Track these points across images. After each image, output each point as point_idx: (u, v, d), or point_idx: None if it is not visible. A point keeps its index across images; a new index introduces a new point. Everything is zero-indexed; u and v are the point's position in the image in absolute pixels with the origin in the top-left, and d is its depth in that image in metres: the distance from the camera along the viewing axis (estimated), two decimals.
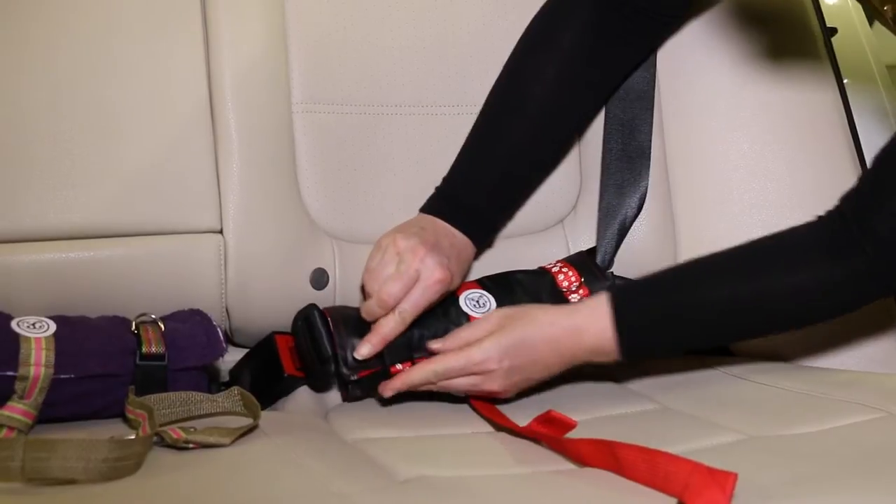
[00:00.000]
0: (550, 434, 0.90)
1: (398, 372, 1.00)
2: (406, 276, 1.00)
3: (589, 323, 0.98)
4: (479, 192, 1.09)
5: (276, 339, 1.05)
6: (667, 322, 0.98)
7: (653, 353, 1.05)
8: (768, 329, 1.02)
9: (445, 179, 1.10)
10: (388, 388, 0.99)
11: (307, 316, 1.01)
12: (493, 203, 1.10)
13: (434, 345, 1.00)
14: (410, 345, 1.00)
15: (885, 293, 0.99)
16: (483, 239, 1.10)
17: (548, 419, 0.91)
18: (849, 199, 0.96)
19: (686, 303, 0.98)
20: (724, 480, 0.74)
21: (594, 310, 0.98)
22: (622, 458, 0.81)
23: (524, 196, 1.15)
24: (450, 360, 0.97)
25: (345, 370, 0.99)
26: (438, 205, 1.09)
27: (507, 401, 1.01)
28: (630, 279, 1.08)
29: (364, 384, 1.00)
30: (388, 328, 0.99)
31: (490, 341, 0.97)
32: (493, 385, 0.98)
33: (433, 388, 0.99)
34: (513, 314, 0.99)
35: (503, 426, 0.95)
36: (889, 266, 0.93)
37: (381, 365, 1.00)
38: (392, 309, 0.99)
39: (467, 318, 1.03)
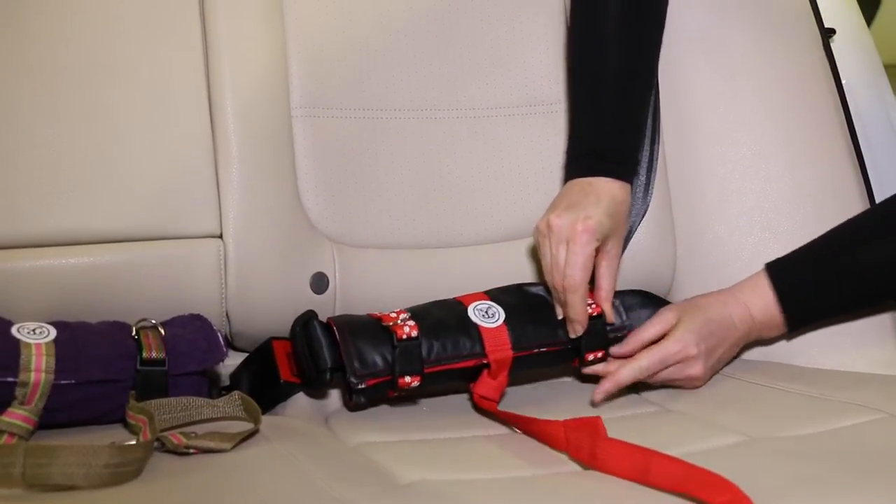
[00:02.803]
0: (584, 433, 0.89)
1: (406, 384, 0.99)
2: (581, 256, 1.03)
3: (753, 299, 1.06)
4: (612, 134, 1.10)
5: (274, 345, 1.04)
6: (826, 288, 1.06)
7: (816, 318, 1.10)
8: None
9: (572, 140, 1.13)
10: (601, 393, 1.03)
11: (305, 322, 1.01)
12: (627, 136, 1.11)
13: (617, 350, 1.06)
14: (422, 357, 1.00)
15: None
16: (632, 172, 1.11)
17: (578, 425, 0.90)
18: None
19: (842, 267, 1.05)
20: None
21: (755, 287, 1.07)
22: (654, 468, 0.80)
23: (645, 117, 1.17)
24: (652, 355, 1.03)
25: (353, 379, 0.98)
26: (580, 165, 1.10)
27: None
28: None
29: (369, 393, 1.00)
30: (624, 377, 1.04)
31: (681, 330, 1.04)
32: (693, 370, 1.04)
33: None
34: (684, 306, 1.07)
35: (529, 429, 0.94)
36: None
37: (390, 374, 0.99)
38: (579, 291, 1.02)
39: (476, 328, 1.02)
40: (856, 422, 0.92)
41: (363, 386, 0.98)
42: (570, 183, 1.09)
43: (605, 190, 1.06)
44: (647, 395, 1.07)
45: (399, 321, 1.00)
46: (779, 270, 1.07)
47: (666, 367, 1.04)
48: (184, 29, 1.08)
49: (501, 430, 0.98)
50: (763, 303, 1.06)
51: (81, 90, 1.04)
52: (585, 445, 0.86)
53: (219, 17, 1.09)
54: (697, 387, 1.06)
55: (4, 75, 1.03)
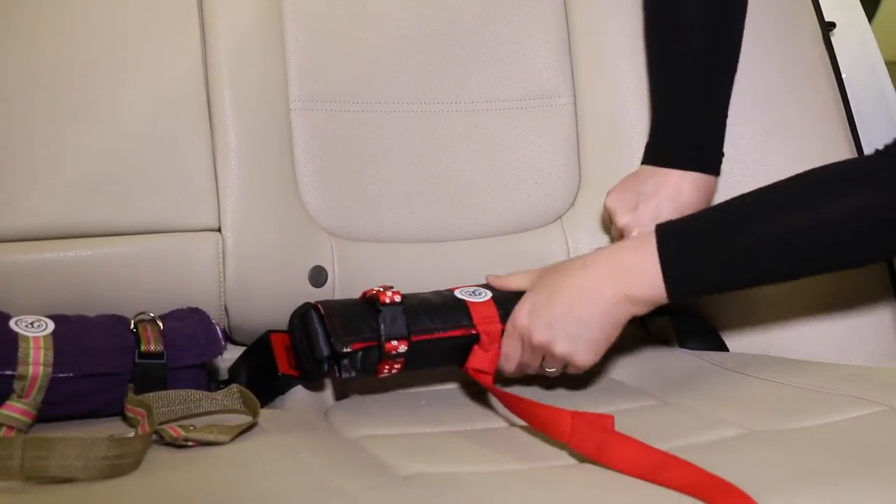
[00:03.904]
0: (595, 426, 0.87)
1: (393, 348, 0.98)
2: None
3: (631, 254, 0.96)
4: (689, 124, 1.11)
5: (272, 338, 1.04)
6: (715, 249, 0.95)
7: (701, 285, 0.97)
8: (827, 263, 0.97)
9: (651, 126, 1.14)
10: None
11: (303, 314, 1.01)
12: (707, 126, 1.12)
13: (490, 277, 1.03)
14: (407, 322, 0.99)
15: None
16: (713, 162, 1.10)
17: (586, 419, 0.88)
18: None
19: (737, 237, 0.95)
20: None
21: (640, 245, 0.96)
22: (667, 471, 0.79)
23: (727, 106, 1.15)
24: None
25: (337, 343, 0.97)
26: (651, 153, 1.12)
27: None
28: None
29: (357, 360, 0.98)
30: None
31: (510, 324, 0.99)
32: (539, 336, 0.97)
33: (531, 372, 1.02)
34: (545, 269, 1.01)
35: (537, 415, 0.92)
36: None
37: (377, 339, 0.98)
38: None
39: (464, 303, 1.02)
40: (856, 414, 0.92)
41: (348, 349, 0.97)
42: (641, 167, 1.12)
43: (672, 182, 1.07)
44: (646, 388, 1.07)
45: (383, 290, 1.00)
46: (668, 231, 0.97)
47: (525, 363, 1.00)
48: (182, 22, 1.08)
49: (500, 423, 0.98)
50: (642, 259, 0.96)
51: (80, 83, 1.04)
52: (593, 439, 0.84)
53: (217, 11, 1.09)
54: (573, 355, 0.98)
55: (4, 71, 1.03)
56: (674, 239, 0.96)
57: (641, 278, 0.95)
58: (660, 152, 1.12)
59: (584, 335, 0.97)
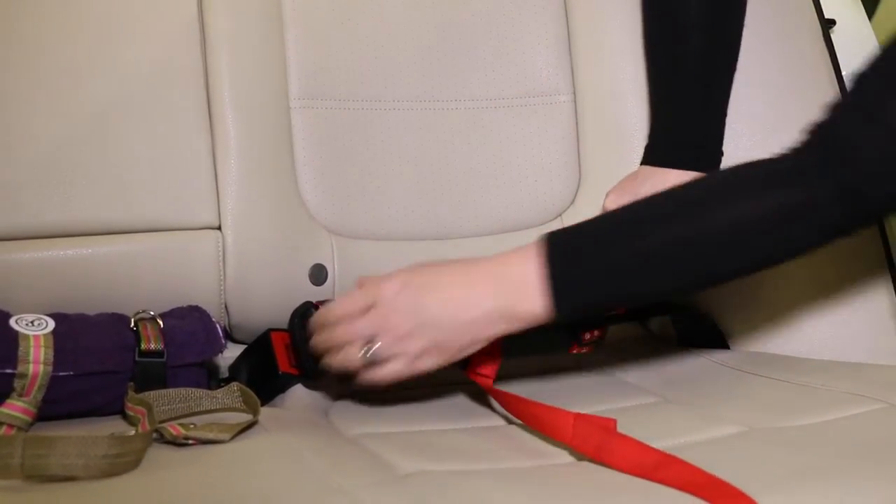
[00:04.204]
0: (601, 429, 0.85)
1: None
2: None
3: (517, 266, 0.89)
4: (688, 125, 1.10)
5: (272, 336, 1.04)
6: (604, 262, 0.89)
7: (589, 300, 0.90)
8: (715, 275, 0.91)
9: (650, 126, 1.14)
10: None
11: (304, 313, 1.01)
12: (706, 126, 1.11)
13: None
14: None
15: (849, 224, 0.88)
16: (710, 163, 1.10)
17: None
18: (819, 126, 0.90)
19: (628, 247, 0.89)
20: None
21: (526, 256, 0.89)
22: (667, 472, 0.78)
23: (726, 107, 1.13)
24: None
25: None
26: (650, 153, 1.12)
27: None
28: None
29: None
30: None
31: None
32: (398, 318, 0.88)
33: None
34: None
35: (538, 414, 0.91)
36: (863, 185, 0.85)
37: None
38: None
39: None
40: (856, 412, 0.92)
41: None
42: (639, 168, 1.11)
43: (670, 182, 1.02)
44: (647, 385, 1.07)
45: None
46: (554, 243, 0.90)
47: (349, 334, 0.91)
48: (182, 20, 1.08)
49: (500, 421, 0.98)
50: (524, 270, 0.88)
51: (80, 81, 1.04)
52: (594, 440, 0.84)
53: (217, 8, 1.09)
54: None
55: (3, 70, 1.02)
56: (560, 250, 0.89)
57: (524, 292, 0.88)
58: (658, 153, 1.12)
59: (445, 342, 0.90)
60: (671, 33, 1.12)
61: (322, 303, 1.00)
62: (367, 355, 0.90)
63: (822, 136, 0.88)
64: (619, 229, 0.90)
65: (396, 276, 0.91)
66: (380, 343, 0.90)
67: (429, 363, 0.91)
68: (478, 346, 0.91)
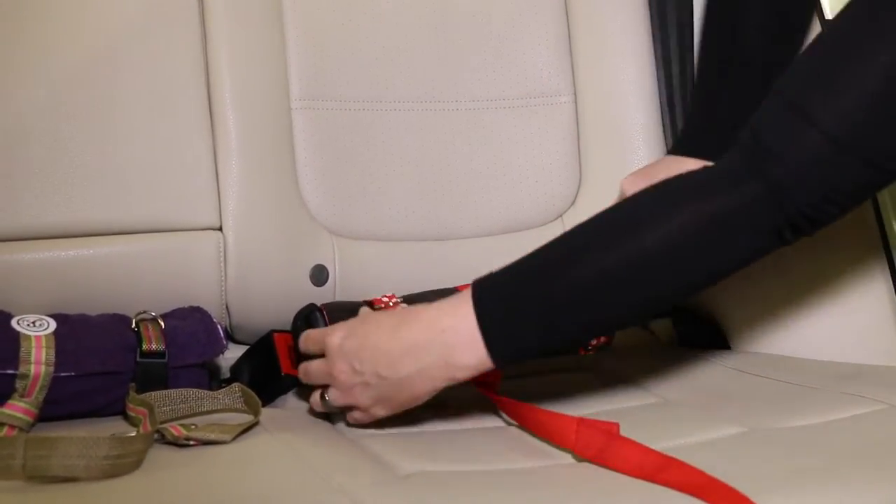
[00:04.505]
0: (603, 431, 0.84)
1: None
2: None
3: (449, 316, 0.87)
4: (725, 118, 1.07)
5: (275, 338, 1.04)
6: (536, 303, 0.85)
7: (527, 345, 0.87)
8: (656, 299, 0.87)
9: (690, 119, 1.13)
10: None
11: (307, 315, 1.01)
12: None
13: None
14: None
15: (784, 227, 0.85)
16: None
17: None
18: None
19: (557, 284, 0.85)
20: None
21: (458, 305, 0.87)
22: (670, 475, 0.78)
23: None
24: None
25: None
26: (679, 142, 1.11)
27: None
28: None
29: None
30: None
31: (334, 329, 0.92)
32: (342, 374, 0.89)
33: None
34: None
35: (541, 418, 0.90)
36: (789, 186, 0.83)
37: None
38: None
39: None
40: (856, 413, 0.92)
41: None
42: (663, 157, 1.11)
43: (686, 170, 1.01)
44: (647, 386, 1.07)
45: (390, 304, 1.00)
46: (484, 291, 0.87)
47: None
48: (183, 21, 1.08)
49: (500, 422, 0.98)
50: (462, 325, 0.86)
51: (81, 82, 1.04)
52: (597, 444, 0.83)
53: (218, 9, 1.09)
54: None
55: (3, 69, 1.03)
56: (490, 296, 0.86)
57: (460, 345, 0.86)
58: (685, 142, 1.11)
59: (386, 398, 0.89)
60: (730, 39, 1.10)
61: (325, 305, 1.00)
62: (325, 402, 0.93)
63: (749, 139, 0.86)
64: (548, 266, 0.87)
65: (343, 327, 0.92)
66: (333, 392, 0.92)
67: (382, 413, 0.91)
68: (422, 401, 0.90)
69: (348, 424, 0.94)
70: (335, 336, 0.91)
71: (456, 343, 0.86)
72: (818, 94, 0.83)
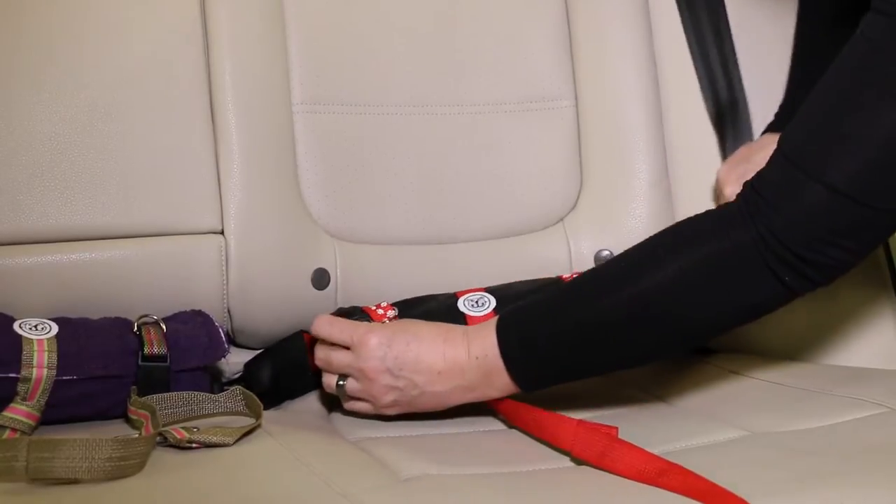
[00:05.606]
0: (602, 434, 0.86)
1: None
2: None
3: (476, 344, 0.93)
4: None
5: (306, 337, 1.04)
6: (549, 344, 0.92)
7: (547, 378, 0.94)
8: (661, 342, 0.91)
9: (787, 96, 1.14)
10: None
11: (347, 316, 1.01)
12: None
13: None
14: None
15: (783, 277, 0.86)
16: None
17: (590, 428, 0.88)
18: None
19: (564, 322, 0.91)
20: None
21: (484, 334, 0.93)
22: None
23: None
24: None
25: None
26: (781, 119, 1.12)
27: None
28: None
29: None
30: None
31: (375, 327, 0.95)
32: (377, 377, 0.93)
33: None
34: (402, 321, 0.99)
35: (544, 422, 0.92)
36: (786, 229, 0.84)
37: None
38: None
39: (463, 316, 1.02)
40: (857, 416, 0.92)
41: None
42: (760, 136, 1.13)
43: None
44: (647, 389, 1.07)
45: (383, 315, 1.01)
46: (507, 324, 0.93)
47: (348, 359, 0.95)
48: (184, 25, 1.08)
49: (501, 425, 0.98)
50: (489, 353, 0.92)
51: (82, 86, 1.04)
52: (596, 448, 0.84)
53: (219, 13, 1.09)
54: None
55: (4, 72, 1.03)
56: (508, 332, 0.92)
57: (496, 370, 0.92)
58: (784, 116, 1.10)
59: (412, 404, 0.95)
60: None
61: (370, 310, 1.02)
62: (340, 387, 0.96)
63: (750, 190, 0.88)
64: (556, 306, 0.93)
65: (383, 331, 0.95)
66: (353, 383, 0.95)
67: (394, 412, 0.96)
68: (443, 408, 0.96)
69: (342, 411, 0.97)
70: (373, 336, 0.94)
71: (491, 369, 0.92)
72: (819, 149, 0.85)
